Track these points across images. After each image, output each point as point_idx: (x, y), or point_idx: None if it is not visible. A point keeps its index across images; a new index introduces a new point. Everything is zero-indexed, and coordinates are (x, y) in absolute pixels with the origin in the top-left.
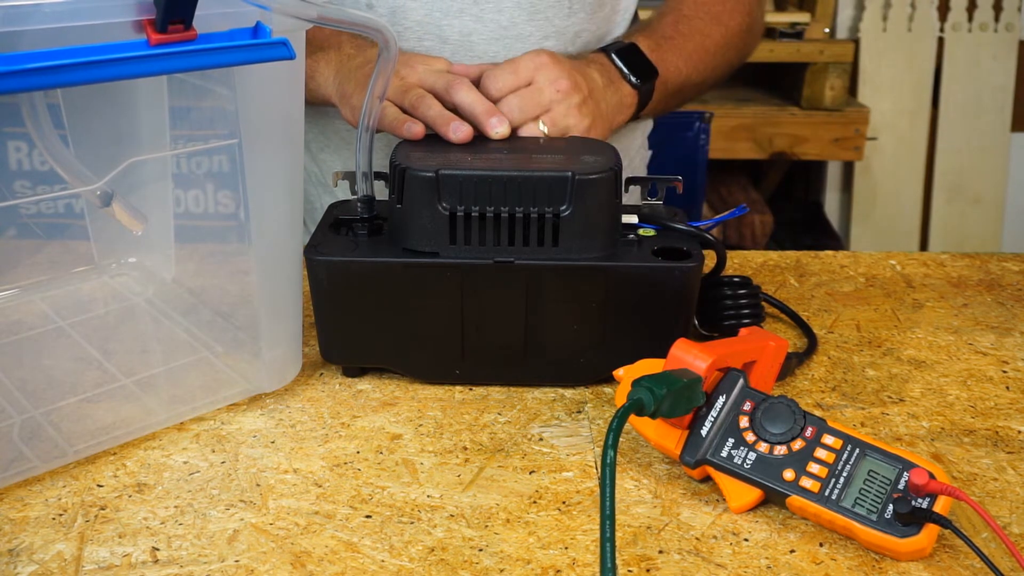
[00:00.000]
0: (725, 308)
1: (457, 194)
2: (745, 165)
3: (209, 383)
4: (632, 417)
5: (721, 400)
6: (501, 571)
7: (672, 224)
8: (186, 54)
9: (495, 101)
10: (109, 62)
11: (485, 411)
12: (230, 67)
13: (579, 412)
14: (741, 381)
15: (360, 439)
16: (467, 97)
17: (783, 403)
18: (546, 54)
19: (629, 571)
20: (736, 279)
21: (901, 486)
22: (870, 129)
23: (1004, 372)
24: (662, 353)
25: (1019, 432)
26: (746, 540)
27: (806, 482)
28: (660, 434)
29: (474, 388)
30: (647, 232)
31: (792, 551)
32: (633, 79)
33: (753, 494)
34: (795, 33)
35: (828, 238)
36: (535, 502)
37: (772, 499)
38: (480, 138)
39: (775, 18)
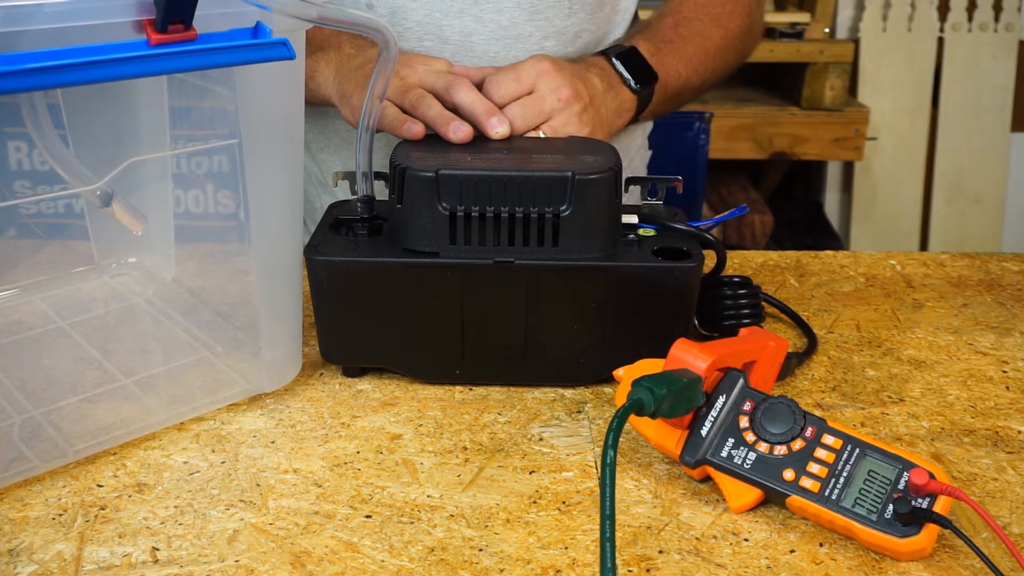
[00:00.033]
0: (725, 308)
1: (457, 194)
2: (745, 165)
3: (209, 383)
4: (632, 417)
5: (721, 400)
6: (501, 571)
7: (672, 224)
8: (186, 54)
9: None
10: (109, 62)
11: (485, 411)
12: (230, 67)
13: (579, 412)
14: (741, 381)
15: (360, 439)
16: (467, 97)
17: (783, 403)
18: (548, 61)
19: (629, 571)
20: (736, 279)
21: (901, 486)
22: (870, 129)
23: (1004, 372)
24: (662, 353)
25: (1019, 432)
26: (746, 540)
27: (806, 482)
28: (660, 434)
29: (474, 388)
30: (647, 232)
31: (792, 551)
32: (633, 84)
33: (753, 494)
34: (795, 33)
35: (828, 238)
36: (535, 502)
37: (772, 499)
38: (480, 138)
39: (775, 18)
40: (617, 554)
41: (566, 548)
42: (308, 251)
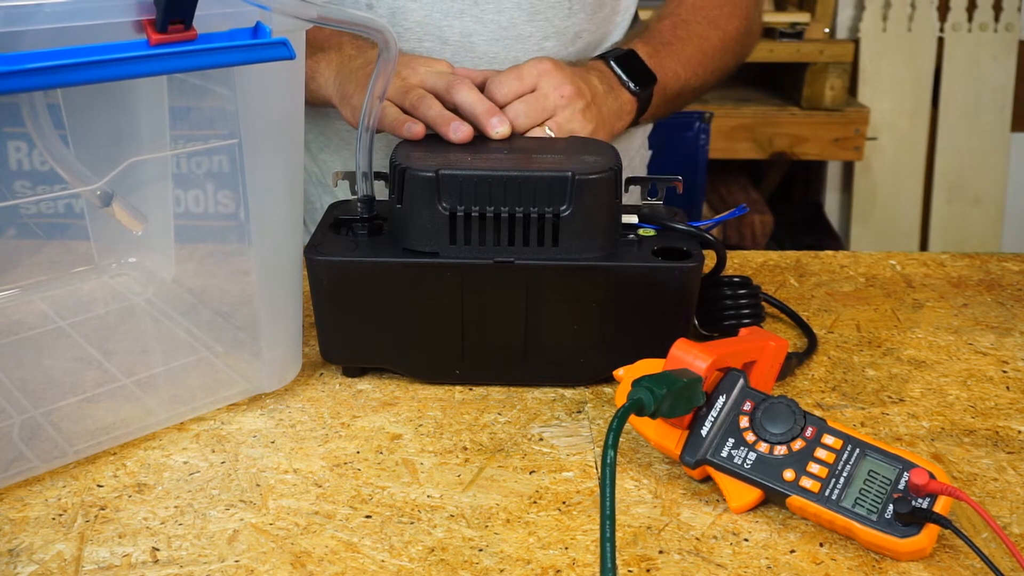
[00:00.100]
0: (725, 308)
1: (457, 194)
2: (745, 165)
3: (209, 383)
4: (632, 417)
5: (721, 400)
6: (501, 571)
7: (672, 224)
8: (186, 54)
9: (501, 107)
10: (109, 62)
11: (485, 411)
12: (230, 67)
13: (579, 412)
14: (741, 381)
15: (360, 439)
16: (468, 97)
17: (783, 403)
18: (549, 61)
19: (629, 571)
20: (736, 279)
21: (901, 486)
22: (870, 129)
23: (1004, 372)
24: (662, 353)
25: (1019, 432)
26: (746, 540)
27: (806, 482)
28: (660, 434)
29: (474, 388)
30: (647, 232)
31: (792, 551)
32: (632, 86)
33: (753, 494)
34: (795, 33)
35: (828, 238)
36: (535, 502)
37: (772, 499)
38: (480, 138)
39: (775, 18)
40: (617, 554)
41: (566, 548)
42: (308, 251)
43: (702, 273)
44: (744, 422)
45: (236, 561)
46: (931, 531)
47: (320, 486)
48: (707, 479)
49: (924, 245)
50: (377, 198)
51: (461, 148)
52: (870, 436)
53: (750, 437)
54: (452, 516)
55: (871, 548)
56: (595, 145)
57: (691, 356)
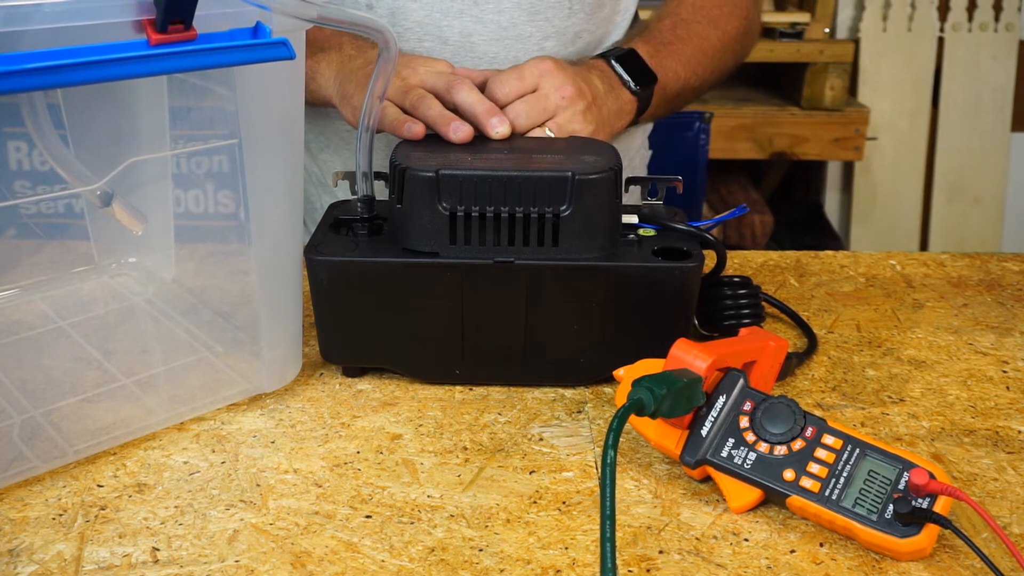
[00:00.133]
0: (725, 308)
1: (457, 194)
2: (745, 165)
3: (209, 383)
4: (632, 417)
5: (721, 400)
6: (501, 571)
7: (672, 224)
8: (186, 54)
9: (502, 107)
10: (109, 62)
11: (485, 411)
12: (230, 67)
13: (579, 412)
14: (741, 381)
15: (360, 439)
16: (468, 97)
17: (783, 403)
18: (550, 61)
19: (629, 571)
20: (736, 279)
21: (901, 486)
22: (870, 129)
23: (1004, 372)
24: (662, 353)
25: (1019, 432)
26: (746, 540)
27: (806, 482)
28: (660, 434)
29: (474, 388)
30: (647, 232)
31: (792, 551)
32: (633, 86)
33: (753, 494)
34: (795, 33)
35: (828, 238)
36: (535, 502)
37: (772, 499)
38: (480, 138)
39: (775, 18)
40: (617, 554)
41: (566, 548)
42: (308, 251)
43: (702, 273)
44: (744, 422)
45: (236, 561)
46: (931, 531)
47: (320, 486)
48: (707, 479)
49: (924, 245)
50: (377, 198)
51: (461, 148)
52: (870, 436)
53: (750, 437)
54: (452, 516)
55: (871, 548)
56: (595, 145)
57: (691, 356)
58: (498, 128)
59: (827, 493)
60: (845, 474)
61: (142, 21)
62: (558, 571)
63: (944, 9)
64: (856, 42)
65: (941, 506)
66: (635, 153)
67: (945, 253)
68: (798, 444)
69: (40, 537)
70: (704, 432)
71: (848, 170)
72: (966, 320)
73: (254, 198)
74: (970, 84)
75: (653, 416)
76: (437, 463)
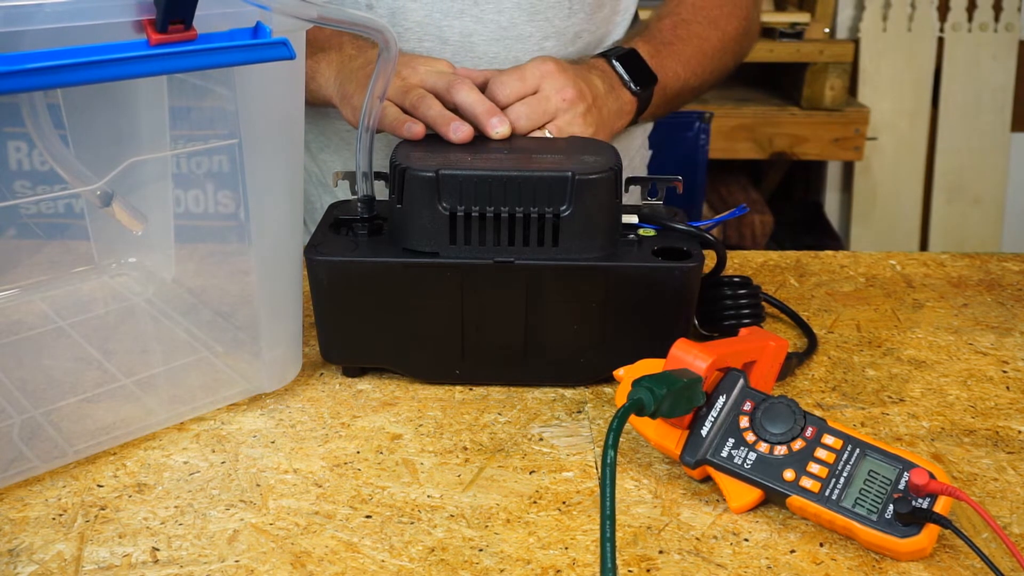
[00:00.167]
0: (725, 308)
1: (457, 194)
2: (745, 165)
3: (209, 383)
4: (632, 417)
5: (721, 400)
6: (501, 571)
7: (672, 224)
8: (186, 54)
9: (502, 108)
10: (109, 62)
11: (485, 411)
12: (230, 67)
13: (579, 412)
14: (741, 381)
15: (360, 439)
16: (468, 97)
17: (783, 403)
18: (552, 62)
19: (629, 571)
20: (736, 279)
21: (901, 486)
22: (870, 129)
23: (1004, 372)
24: (662, 353)
25: (1019, 432)
26: (746, 540)
27: (806, 482)
28: (660, 434)
29: (474, 388)
30: (647, 232)
31: (792, 551)
32: (633, 86)
33: (753, 494)
34: (795, 33)
35: (828, 238)
36: (535, 502)
37: (772, 499)
38: (480, 138)
39: (775, 18)
40: (617, 554)
41: (566, 548)
42: (308, 251)
43: (702, 273)
44: (744, 422)
45: (236, 561)
46: (931, 531)
47: (320, 486)
48: (707, 479)
49: (924, 245)
50: (377, 198)
51: (461, 148)
52: (870, 436)
53: (750, 437)
54: (452, 516)
55: (871, 548)
56: (595, 145)
57: (691, 356)
58: (498, 128)
59: (827, 493)
60: (845, 474)
61: (142, 21)
62: (558, 571)
63: (944, 9)
64: (856, 42)
65: (941, 506)
66: (635, 153)
67: (945, 253)
68: (798, 444)
69: (40, 537)
70: (704, 432)
71: (848, 170)
72: (966, 320)
73: (254, 198)
74: (970, 84)
75: (653, 416)
76: (437, 463)
